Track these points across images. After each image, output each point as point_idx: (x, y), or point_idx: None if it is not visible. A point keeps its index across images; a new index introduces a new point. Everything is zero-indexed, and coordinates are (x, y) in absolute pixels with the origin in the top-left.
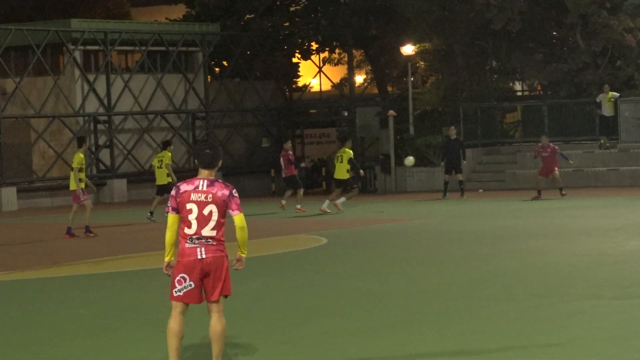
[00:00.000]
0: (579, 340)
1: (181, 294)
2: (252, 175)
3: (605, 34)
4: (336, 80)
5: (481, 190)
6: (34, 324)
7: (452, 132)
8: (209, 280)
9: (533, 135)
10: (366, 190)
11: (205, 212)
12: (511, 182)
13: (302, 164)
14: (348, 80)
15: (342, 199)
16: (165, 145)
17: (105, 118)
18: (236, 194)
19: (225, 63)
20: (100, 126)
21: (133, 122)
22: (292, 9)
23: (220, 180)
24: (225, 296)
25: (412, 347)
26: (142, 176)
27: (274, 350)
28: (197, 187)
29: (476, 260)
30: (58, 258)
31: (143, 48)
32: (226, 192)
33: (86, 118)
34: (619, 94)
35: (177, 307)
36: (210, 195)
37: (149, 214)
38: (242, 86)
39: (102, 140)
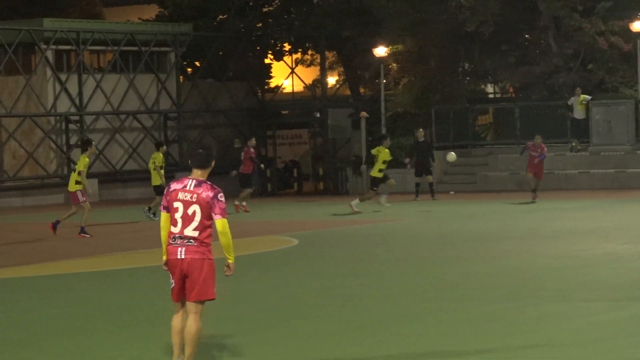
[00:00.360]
0: (551, 342)
1: (171, 290)
2: (224, 176)
3: (577, 37)
4: (308, 81)
5: (452, 192)
6: (15, 324)
7: (421, 134)
8: (188, 281)
9: (505, 138)
10: (338, 192)
11: (190, 211)
12: (483, 184)
13: (262, 165)
14: (320, 81)
15: (356, 201)
16: (157, 146)
17: (76, 118)
18: (222, 198)
19: (197, 63)
20: (71, 126)
21: (105, 122)
22: (265, 9)
23: (208, 182)
24: (208, 300)
25: (389, 349)
26: (114, 176)
27: (251, 352)
28: (185, 186)
29: (449, 262)
30: (36, 257)
31: (115, 48)
32: (210, 194)
33: (58, 118)
34: (590, 97)
35: (175, 305)
36: (195, 196)
37: (147, 208)
38: (214, 87)
39: (73, 140)
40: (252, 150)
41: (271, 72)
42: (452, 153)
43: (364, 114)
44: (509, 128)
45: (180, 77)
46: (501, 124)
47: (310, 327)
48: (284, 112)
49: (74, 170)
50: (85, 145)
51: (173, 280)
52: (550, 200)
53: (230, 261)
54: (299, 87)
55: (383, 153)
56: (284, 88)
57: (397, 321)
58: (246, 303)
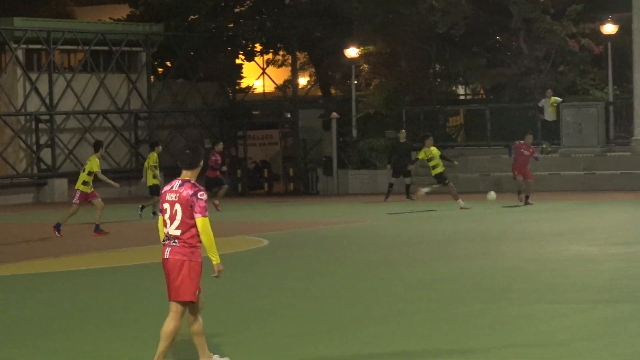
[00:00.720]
0: (521, 344)
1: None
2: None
3: (548, 39)
4: (279, 82)
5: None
6: (6, 321)
7: (402, 135)
8: (170, 281)
9: (475, 139)
10: (308, 193)
11: (174, 211)
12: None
13: (223, 168)
14: (291, 82)
15: (427, 189)
16: (152, 145)
17: (47, 117)
18: (202, 197)
19: (168, 63)
20: (41, 125)
21: (75, 121)
22: (236, 10)
23: (192, 182)
24: (185, 301)
25: (363, 348)
26: None
27: (229, 352)
28: (172, 187)
29: (419, 263)
30: (10, 257)
31: (86, 47)
32: (190, 192)
33: (28, 117)
34: (561, 99)
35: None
36: (177, 195)
37: (140, 207)
38: (185, 87)
39: (43, 139)
40: (215, 157)
41: (242, 73)
42: (492, 192)
43: (334, 114)
44: (479, 129)
45: (151, 77)
46: (472, 125)
47: (286, 328)
48: (254, 112)
49: (83, 170)
50: (97, 146)
51: (166, 280)
52: (520, 202)
53: (214, 262)
54: (270, 87)
55: (428, 152)
56: (254, 88)
57: (369, 322)
58: (220, 304)
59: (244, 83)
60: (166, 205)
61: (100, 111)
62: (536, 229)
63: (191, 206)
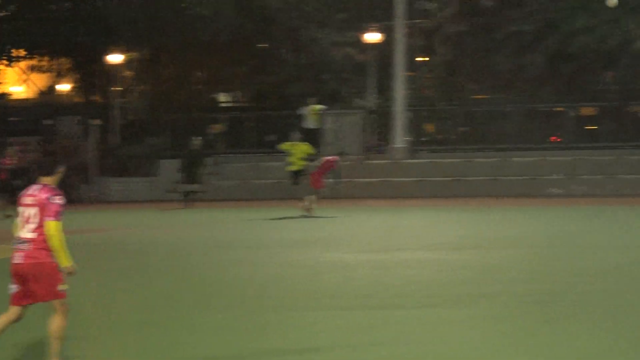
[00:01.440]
0: (278, 351)
1: (10, 294)
2: None
3: (312, 47)
4: (42, 87)
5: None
6: None
7: (197, 142)
8: (30, 285)
9: (236, 147)
10: (67, 200)
11: (29, 214)
12: (213, 193)
13: None
14: (53, 87)
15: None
16: None
17: None
18: (57, 201)
19: None
20: None
21: None
22: None
23: (50, 186)
24: (56, 299)
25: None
26: None
27: None
28: (29, 191)
29: (177, 271)
30: None
31: None
32: (46, 195)
33: None
34: (325, 107)
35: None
36: (34, 199)
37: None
38: None
39: None
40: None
41: (2, 78)
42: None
43: (95, 121)
44: (240, 137)
45: None
46: (233, 132)
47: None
48: (13, 119)
49: None
50: None
51: (14, 286)
52: (274, 209)
53: (63, 264)
54: (31, 93)
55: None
56: (12, 94)
57: (124, 330)
58: None
59: (3, 88)
60: (22, 209)
61: None
62: (291, 236)
63: (45, 209)
